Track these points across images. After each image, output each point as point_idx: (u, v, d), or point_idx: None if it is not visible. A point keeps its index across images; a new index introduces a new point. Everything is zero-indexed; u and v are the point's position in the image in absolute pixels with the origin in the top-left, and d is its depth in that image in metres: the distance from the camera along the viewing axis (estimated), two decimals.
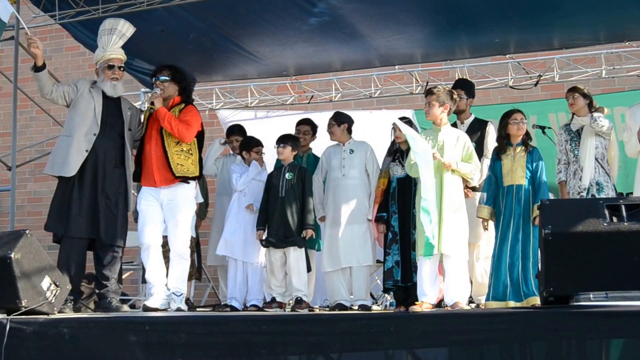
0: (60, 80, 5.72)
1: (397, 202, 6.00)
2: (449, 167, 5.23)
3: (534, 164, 5.58)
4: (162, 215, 5.85)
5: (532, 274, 5.41)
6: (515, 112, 5.76)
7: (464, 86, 6.52)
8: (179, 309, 5.65)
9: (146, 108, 6.14)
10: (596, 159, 5.94)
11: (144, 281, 6.60)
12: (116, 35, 5.83)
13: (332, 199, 6.32)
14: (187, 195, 5.87)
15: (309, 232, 6.18)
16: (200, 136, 5.98)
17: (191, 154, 5.89)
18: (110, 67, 5.79)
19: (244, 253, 6.40)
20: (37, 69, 5.59)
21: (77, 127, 5.68)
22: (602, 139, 6.18)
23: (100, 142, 5.68)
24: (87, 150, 5.63)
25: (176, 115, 5.85)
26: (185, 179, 5.80)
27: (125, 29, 5.87)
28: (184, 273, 5.86)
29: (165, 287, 5.80)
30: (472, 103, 6.57)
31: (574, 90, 6.33)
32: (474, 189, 6.04)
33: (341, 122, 6.50)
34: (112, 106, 5.81)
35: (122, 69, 5.88)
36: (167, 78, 5.94)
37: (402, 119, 6.20)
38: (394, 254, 5.88)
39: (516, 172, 5.60)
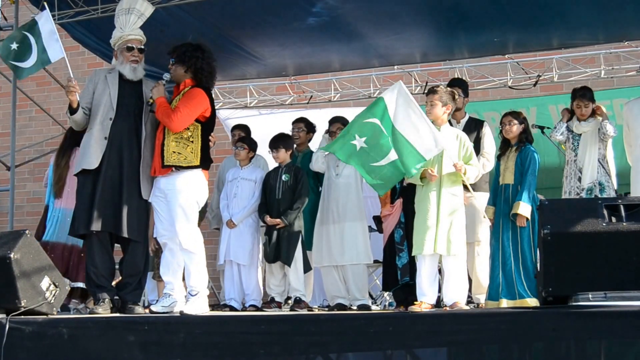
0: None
1: (402, 199, 5.96)
2: (460, 169, 5.14)
3: (522, 163, 5.58)
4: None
5: (523, 274, 5.43)
6: (504, 115, 5.78)
7: (461, 85, 6.49)
8: (181, 312, 4.99)
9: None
10: (598, 159, 5.94)
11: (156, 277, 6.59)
12: (135, 14, 5.53)
13: (326, 197, 6.30)
14: (184, 183, 5.24)
15: (276, 221, 6.20)
16: (206, 122, 5.38)
17: (191, 141, 5.30)
18: (130, 48, 5.45)
19: (236, 254, 6.40)
20: (72, 111, 5.37)
21: (94, 117, 5.37)
22: (603, 141, 6.15)
23: (117, 126, 5.35)
24: (105, 138, 5.30)
25: None
26: (177, 168, 5.24)
27: (144, 9, 5.60)
28: (195, 269, 5.22)
29: (176, 287, 5.36)
30: (467, 102, 6.54)
31: (583, 96, 6.09)
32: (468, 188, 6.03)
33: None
34: (129, 89, 5.45)
35: (142, 51, 5.51)
36: (172, 60, 5.43)
37: None
38: (407, 250, 5.81)
39: (507, 172, 5.65)
